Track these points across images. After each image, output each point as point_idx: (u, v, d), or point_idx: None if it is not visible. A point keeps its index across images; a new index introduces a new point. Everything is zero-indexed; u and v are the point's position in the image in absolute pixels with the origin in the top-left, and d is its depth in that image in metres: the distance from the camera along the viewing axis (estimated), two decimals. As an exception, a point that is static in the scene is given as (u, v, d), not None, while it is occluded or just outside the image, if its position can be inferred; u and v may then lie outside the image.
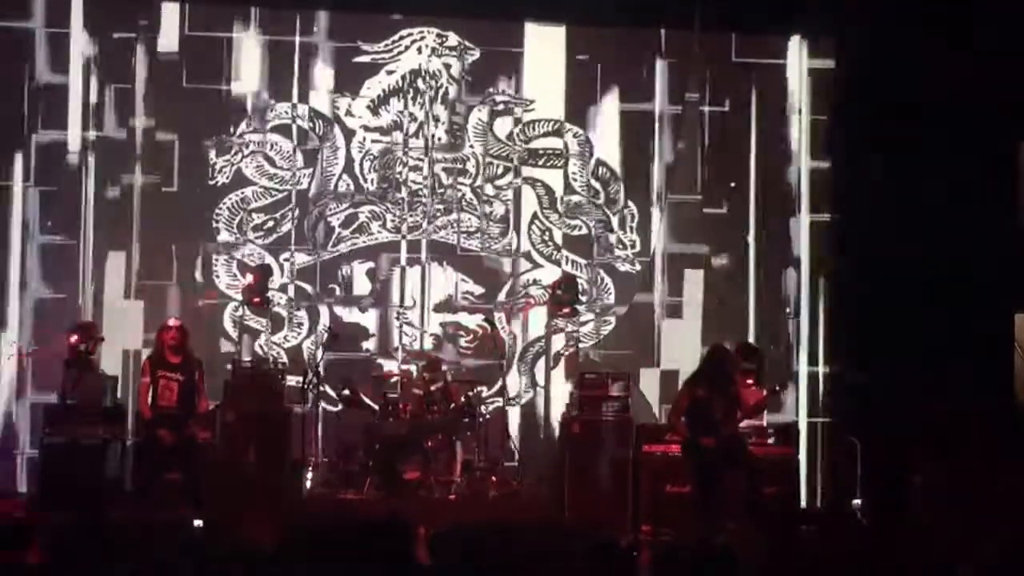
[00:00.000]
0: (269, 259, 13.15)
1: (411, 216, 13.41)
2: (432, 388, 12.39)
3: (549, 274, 13.43)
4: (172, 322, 11.36)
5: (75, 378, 11.84)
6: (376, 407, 12.48)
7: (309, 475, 12.19)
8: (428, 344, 13.33)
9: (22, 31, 12.95)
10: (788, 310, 13.53)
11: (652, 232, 13.55)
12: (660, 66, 13.58)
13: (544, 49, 13.53)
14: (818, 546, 8.64)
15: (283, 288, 13.20)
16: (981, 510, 10.58)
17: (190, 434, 10.96)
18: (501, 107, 13.54)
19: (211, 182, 13.18)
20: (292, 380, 12.42)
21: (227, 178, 13.20)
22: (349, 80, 13.38)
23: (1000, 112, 12.63)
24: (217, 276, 13.17)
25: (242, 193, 13.22)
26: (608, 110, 13.57)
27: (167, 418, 10.77)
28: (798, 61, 13.69)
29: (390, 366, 13.16)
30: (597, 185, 13.57)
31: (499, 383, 13.09)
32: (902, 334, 12.60)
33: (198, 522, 10.12)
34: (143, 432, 11.16)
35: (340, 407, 12.81)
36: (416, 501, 11.61)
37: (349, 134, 13.39)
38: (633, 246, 13.59)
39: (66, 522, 8.56)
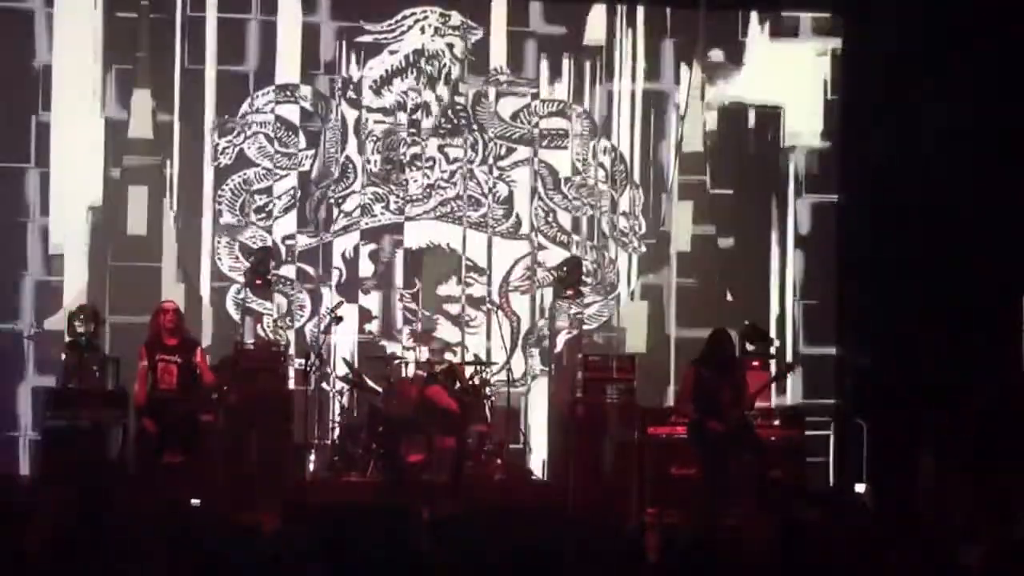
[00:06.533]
0: (271, 241, 13.09)
1: (414, 197, 13.32)
2: (436, 370, 12.33)
3: (553, 256, 13.35)
4: (167, 304, 11.30)
5: (77, 361, 11.79)
6: (380, 389, 12.43)
7: (312, 458, 12.14)
8: (432, 326, 13.26)
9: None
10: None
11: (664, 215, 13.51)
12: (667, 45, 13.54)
13: (550, 29, 13.45)
14: (824, 529, 8.58)
15: (285, 270, 13.13)
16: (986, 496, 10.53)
17: (192, 415, 10.90)
18: (505, 87, 13.44)
19: (214, 163, 13.11)
20: (295, 362, 12.36)
21: (229, 159, 13.13)
22: (352, 61, 13.29)
23: (1010, 92, 12.53)
24: (219, 259, 13.10)
25: (244, 174, 13.14)
26: (616, 90, 13.48)
27: (167, 401, 10.73)
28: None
29: (394, 348, 13.09)
30: (602, 166, 13.49)
31: (503, 365, 13.03)
32: (909, 316, 12.53)
33: (194, 501, 10.08)
34: (135, 420, 11.17)
35: (343, 389, 12.76)
36: (420, 484, 11.56)
37: (352, 115, 13.29)
38: (639, 228, 13.51)
39: (67, 506, 8.53)
